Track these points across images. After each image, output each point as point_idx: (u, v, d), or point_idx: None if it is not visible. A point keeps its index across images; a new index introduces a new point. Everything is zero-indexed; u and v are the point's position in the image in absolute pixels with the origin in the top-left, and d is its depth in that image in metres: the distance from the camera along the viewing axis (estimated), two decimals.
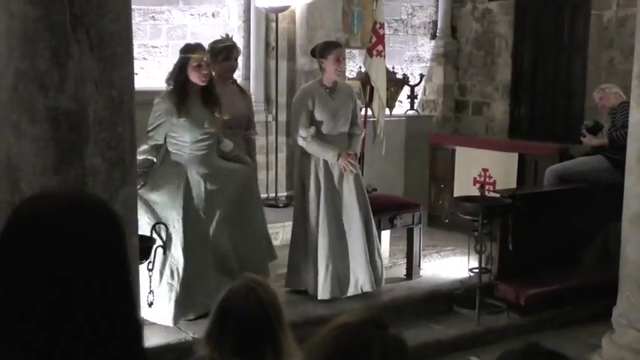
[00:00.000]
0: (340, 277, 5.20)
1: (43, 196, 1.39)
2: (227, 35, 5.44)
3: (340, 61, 5.22)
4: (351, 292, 5.23)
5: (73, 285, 1.22)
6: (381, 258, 5.38)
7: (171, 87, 4.63)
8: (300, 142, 5.17)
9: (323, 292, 5.14)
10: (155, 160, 4.60)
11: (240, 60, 8.04)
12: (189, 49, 4.70)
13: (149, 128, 4.57)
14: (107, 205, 1.37)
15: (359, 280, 5.23)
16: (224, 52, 5.15)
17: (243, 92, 5.47)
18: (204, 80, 4.63)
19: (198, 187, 4.65)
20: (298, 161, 5.38)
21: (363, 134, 5.56)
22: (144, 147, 4.48)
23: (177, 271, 4.54)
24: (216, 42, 5.28)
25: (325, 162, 5.19)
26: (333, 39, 7.56)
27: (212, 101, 4.71)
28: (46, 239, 1.24)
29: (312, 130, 5.16)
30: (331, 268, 5.14)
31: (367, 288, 5.24)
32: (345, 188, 5.23)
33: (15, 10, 2.54)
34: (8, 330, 1.24)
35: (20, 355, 1.22)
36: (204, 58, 4.65)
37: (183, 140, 4.61)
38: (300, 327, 3.87)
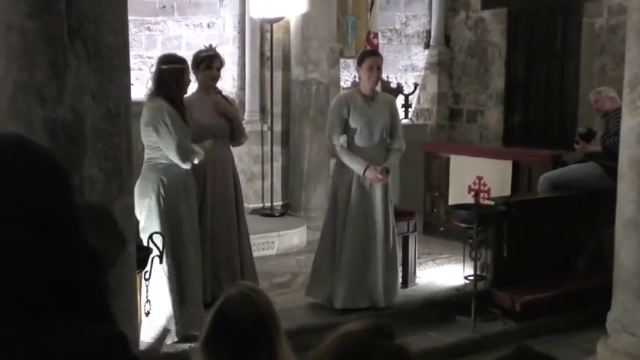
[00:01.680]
0: (359, 289, 5.19)
1: None
2: (210, 45, 5.47)
3: (373, 69, 5.20)
4: (366, 304, 5.22)
5: (15, 240, 1.11)
6: (395, 273, 5.39)
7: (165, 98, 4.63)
8: (333, 149, 5.22)
9: (341, 301, 5.14)
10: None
11: (235, 70, 8.12)
12: (177, 60, 4.80)
13: (176, 134, 4.56)
14: (46, 149, 1.24)
15: (375, 293, 5.23)
16: (205, 60, 5.15)
17: (227, 102, 5.40)
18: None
19: (188, 193, 4.71)
20: (334, 170, 5.42)
21: (404, 149, 5.42)
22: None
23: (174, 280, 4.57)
24: (199, 51, 5.32)
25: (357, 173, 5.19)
26: (328, 49, 7.63)
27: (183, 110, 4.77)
28: None
29: (343, 139, 5.16)
30: (351, 278, 5.15)
31: (382, 304, 5.25)
32: (373, 202, 5.23)
33: (13, 22, 2.57)
34: None
35: None
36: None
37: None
38: (313, 333, 3.92)
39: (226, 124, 5.19)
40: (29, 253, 1.12)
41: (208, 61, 5.14)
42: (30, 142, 1.21)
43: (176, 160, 4.51)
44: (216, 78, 5.22)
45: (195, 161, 4.60)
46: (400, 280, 5.83)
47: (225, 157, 5.21)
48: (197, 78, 5.15)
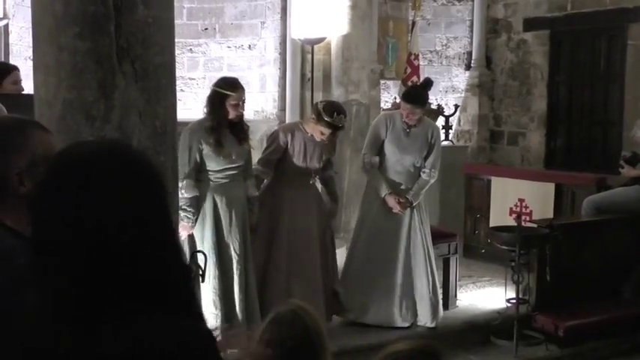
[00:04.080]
0: (383, 307, 5.25)
1: (80, 143, 1.41)
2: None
3: (409, 114, 5.17)
4: (394, 322, 5.27)
5: (111, 230, 1.20)
6: (434, 294, 5.37)
7: (209, 123, 4.66)
8: (363, 165, 5.31)
9: (367, 317, 5.22)
10: (198, 193, 4.64)
11: (276, 91, 8.18)
12: (229, 86, 4.66)
13: (185, 165, 4.50)
14: (146, 155, 1.36)
15: (399, 312, 5.27)
16: None
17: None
18: (239, 117, 4.69)
19: (218, 215, 4.70)
20: (366, 185, 5.48)
21: (432, 181, 5.41)
22: (185, 184, 4.48)
23: (219, 298, 4.60)
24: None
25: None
26: (368, 70, 7.65)
27: (240, 133, 4.75)
28: (84, 184, 1.23)
29: (375, 159, 5.23)
30: (374, 296, 5.22)
31: (404, 323, 5.29)
32: (398, 224, 5.28)
33: (64, 43, 2.63)
34: (44, 279, 1.23)
35: (58, 304, 1.21)
36: (243, 98, 4.67)
37: (211, 169, 4.65)
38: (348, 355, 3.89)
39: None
40: (123, 244, 1.20)
41: (329, 114, 4.86)
42: (131, 147, 1.37)
43: None
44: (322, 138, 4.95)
45: (183, 192, 4.45)
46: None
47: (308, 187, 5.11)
48: (308, 122, 5.07)
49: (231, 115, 4.62)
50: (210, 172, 4.65)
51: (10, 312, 1.35)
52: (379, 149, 5.29)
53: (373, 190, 5.31)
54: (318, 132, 4.87)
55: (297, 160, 4.96)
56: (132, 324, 1.19)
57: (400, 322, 5.28)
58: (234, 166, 4.69)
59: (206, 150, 4.60)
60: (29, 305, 1.26)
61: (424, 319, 5.32)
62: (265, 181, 5.08)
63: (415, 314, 5.32)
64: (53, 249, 1.22)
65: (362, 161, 5.35)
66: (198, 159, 4.60)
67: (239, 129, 4.73)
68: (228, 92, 4.58)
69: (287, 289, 4.83)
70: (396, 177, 5.29)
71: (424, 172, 5.34)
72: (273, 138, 5.04)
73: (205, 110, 4.69)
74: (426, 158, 5.33)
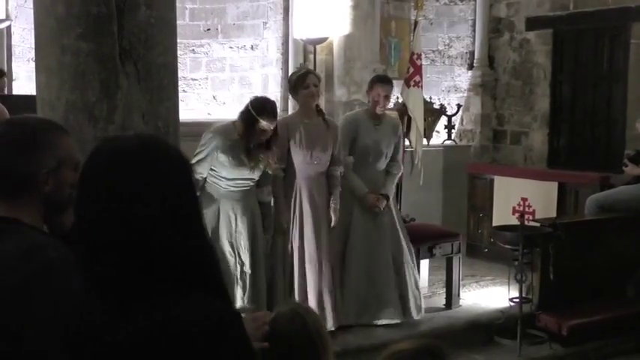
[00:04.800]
0: (363, 304, 5.23)
1: (119, 137, 1.49)
2: (301, 64, 5.43)
3: (381, 97, 5.18)
4: (376, 320, 5.25)
5: (149, 220, 1.32)
6: (415, 289, 5.38)
7: (238, 135, 4.58)
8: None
9: (342, 317, 5.15)
10: (199, 193, 4.62)
11: (279, 91, 8.19)
12: (261, 111, 4.53)
13: (194, 160, 4.51)
14: (177, 148, 1.47)
15: (385, 308, 5.25)
16: (299, 79, 4.93)
17: (327, 125, 5.06)
18: (264, 139, 4.61)
19: (229, 223, 4.68)
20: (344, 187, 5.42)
21: (400, 174, 5.52)
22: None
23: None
24: (292, 74, 5.25)
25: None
26: (371, 70, 7.64)
27: (261, 152, 4.65)
28: (123, 175, 1.33)
29: (350, 159, 5.21)
30: (354, 293, 5.20)
31: (397, 319, 5.28)
32: (380, 219, 5.28)
33: (67, 44, 2.64)
34: (86, 266, 1.34)
35: (98, 289, 1.32)
36: (272, 127, 4.56)
37: (220, 175, 4.65)
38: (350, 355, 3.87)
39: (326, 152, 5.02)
40: (158, 228, 1.31)
41: (301, 80, 4.91)
42: (165, 140, 1.46)
43: None
44: (315, 95, 4.93)
45: None
46: (444, 301, 5.82)
47: (321, 182, 5.03)
48: (298, 102, 5.06)
49: (260, 136, 4.57)
50: (219, 177, 4.64)
51: (53, 297, 1.47)
52: (351, 150, 5.25)
53: (349, 192, 5.23)
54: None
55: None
56: (169, 303, 1.29)
57: (397, 319, 5.27)
58: (246, 177, 4.67)
59: (222, 158, 4.57)
60: (70, 290, 1.37)
61: (413, 313, 5.34)
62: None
63: (407, 309, 5.33)
64: (100, 236, 1.32)
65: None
66: (210, 161, 4.58)
67: (265, 146, 4.63)
68: (259, 118, 4.50)
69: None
70: (370, 173, 5.28)
71: (392, 166, 5.41)
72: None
73: (237, 122, 4.61)
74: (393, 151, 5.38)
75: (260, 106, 4.55)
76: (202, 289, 1.33)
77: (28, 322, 1.50)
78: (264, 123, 4.49)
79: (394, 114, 7.41)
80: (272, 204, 4.94)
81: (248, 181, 4.70)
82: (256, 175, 4.72)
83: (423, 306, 5.45)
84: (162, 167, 1.36)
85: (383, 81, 5.31)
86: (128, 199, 1.32)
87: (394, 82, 8.43)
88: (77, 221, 1.39)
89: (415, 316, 5.33)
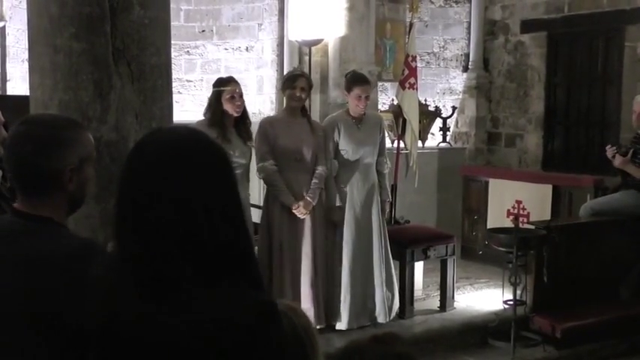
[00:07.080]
0: (358, 307, 5.24)
1: (162, 130, 1.51)
2: (297, 66, 5.49)
3: (361, 98, 5.13)
4: (365, 322, 5.27)
5: (193, 210, 1.33)
6: (392, 289, 5.41)
7: (207, 119, 4.74)
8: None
9: (342, 322, 5.18)
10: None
11: (274, 93, 8.18)
12: (222, 82, 4.83)
13: None
14: (217, 142, 1.49)
15: (373, 310, 5.29)
16: (288, 80, 5.08)
17: (311, 126, 5.15)
18: (238, 111, 4.76)
19: None
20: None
21: (388, 170, 5.52)
22: None
23: None
24: (287, 73, 5.38)
25: (352, 191, 5.24)
26: (366, 72, 7.61)
27: (244, 131, 4.84)
28: (168, 167, 1.35)
29: (335, 164, 5.23)
30: (349, 298, 5.20)
31: (382, 319, 5.30)
32: (369, 218, 5.28)
33: (60, 44, 2.63)
34: (130, 260, 1.36)
35: (137, 284, 1.34)
36: (237, 90, 4.78)
37: None
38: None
39: (309, 148, 5.05)
40: (205, 220, 1.33)
41: (291, 81, 5.04)
42: (204, 133, 1.47)
43: None
44: (297, 98, 5.01)
45: None
46: (438, 303, 5.81)
47: (303, 184, 5.03)
48: (285, 100, 5.21)
49: (230, 109, 4.68)
50: None
51: (100, 294, 1.48)
52: (335, 153, 5.23)
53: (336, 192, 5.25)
54: None
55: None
56: (213, 293, 1.32)
57: (383, 319, 5.31)
58: (235, 162, 4.69)
59: None
60: (125, 284, 1.38)
61: (392, 312, 5.39)
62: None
63: (391, 309, 5.36)
64: (151, 228, 1.34)
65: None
66: None
67: (242, 125, 4.79)
68: (221, 87, 4.72)
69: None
70: (355, 174, 5.26)
71: (382, 166, 5.40)
72: None
73: (206, 113, 4.78)
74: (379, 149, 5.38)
75: (218, 80, 4.89)
76: (240, 280, 1.35)
77: (80, 315, 1.52)
78: (228, 88, 4.71)
79: (388, 115, 7.44)
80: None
81: (238, 169, 4.64)
82: (245, 159, 4.78)
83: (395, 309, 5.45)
84: (207, 159, 1.39)
85: (361, 81, 5.21)
86: (179, 192, 1.33)
87: (389, 84, 8.53)
88: (119, 214, 1.38)
89: (381, 319, 5.32)
